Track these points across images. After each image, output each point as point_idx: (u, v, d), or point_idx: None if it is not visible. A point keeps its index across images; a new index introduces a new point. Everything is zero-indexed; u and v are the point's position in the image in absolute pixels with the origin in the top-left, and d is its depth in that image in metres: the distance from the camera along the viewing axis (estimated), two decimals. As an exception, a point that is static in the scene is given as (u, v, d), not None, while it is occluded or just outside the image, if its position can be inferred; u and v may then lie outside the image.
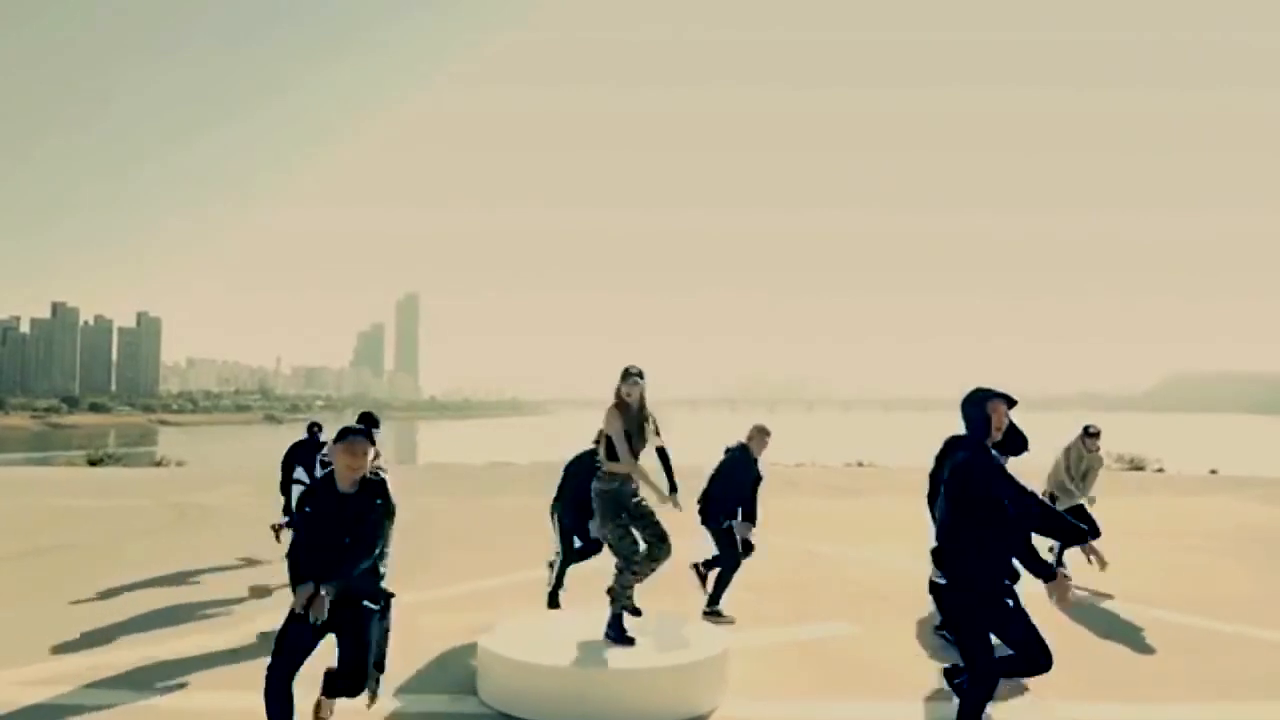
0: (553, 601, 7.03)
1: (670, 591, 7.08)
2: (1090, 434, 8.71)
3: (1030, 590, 3.97)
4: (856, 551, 10.37)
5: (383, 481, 4.26)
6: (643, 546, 5.47)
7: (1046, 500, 6.02)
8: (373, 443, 4.57)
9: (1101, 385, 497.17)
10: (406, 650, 5.95)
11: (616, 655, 5.09)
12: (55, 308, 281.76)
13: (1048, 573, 3.90)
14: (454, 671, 5.67)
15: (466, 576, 8.71)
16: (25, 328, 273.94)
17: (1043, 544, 4.35)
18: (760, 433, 7.37)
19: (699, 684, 5.06)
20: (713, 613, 7.00)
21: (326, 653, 4.17)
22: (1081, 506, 8.60)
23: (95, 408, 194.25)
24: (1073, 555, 8.54)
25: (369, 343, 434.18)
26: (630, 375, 5.51)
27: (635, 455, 5.51)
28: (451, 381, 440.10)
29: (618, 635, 5.31)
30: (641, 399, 5.53)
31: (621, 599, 5.37)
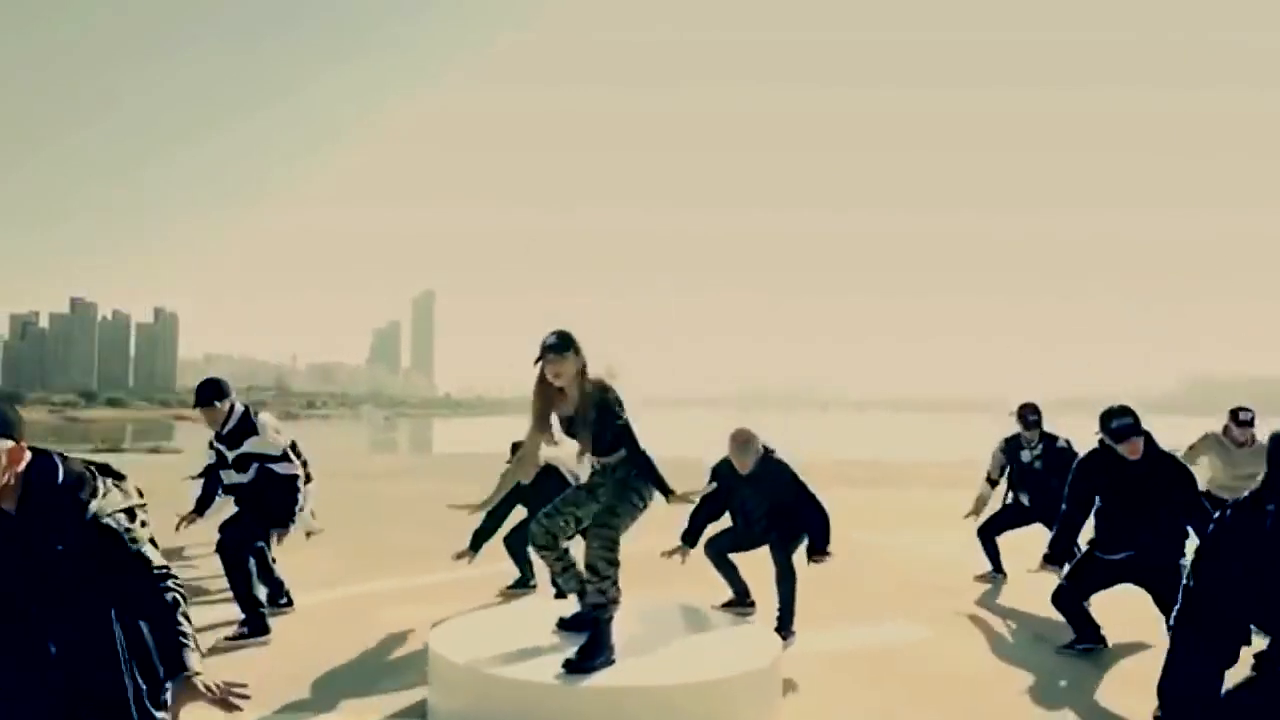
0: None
1: (696, 581, 5.76)
2: (1241, 421, 6.51)
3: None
4: (898, 539, 9.00)
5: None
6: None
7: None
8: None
9: (1116, 388, 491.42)
10: (360, 650, 4.81)
11: (622, 666, 3.61)
12: (74, 303, 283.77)
13: None
14: (407, 678, 4.33)
15: (455, 563, 7.41)
16: (44, 323, 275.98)
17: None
18: (732, 439, 5.39)
19: (741, 703, 3.61)
20: (731, 604, 5.63)
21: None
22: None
23: (113, 403, 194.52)
24: None
25: (385, 340, 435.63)
26: (543, 350, 3.83)
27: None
28: (464, 380, 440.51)
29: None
30: (581, 382, 3.82)
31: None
